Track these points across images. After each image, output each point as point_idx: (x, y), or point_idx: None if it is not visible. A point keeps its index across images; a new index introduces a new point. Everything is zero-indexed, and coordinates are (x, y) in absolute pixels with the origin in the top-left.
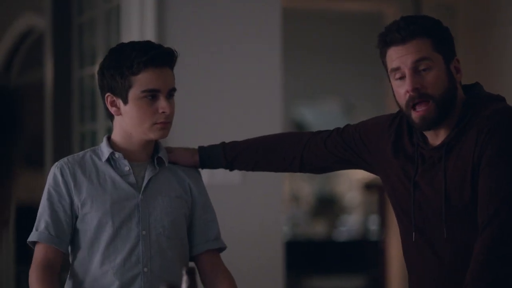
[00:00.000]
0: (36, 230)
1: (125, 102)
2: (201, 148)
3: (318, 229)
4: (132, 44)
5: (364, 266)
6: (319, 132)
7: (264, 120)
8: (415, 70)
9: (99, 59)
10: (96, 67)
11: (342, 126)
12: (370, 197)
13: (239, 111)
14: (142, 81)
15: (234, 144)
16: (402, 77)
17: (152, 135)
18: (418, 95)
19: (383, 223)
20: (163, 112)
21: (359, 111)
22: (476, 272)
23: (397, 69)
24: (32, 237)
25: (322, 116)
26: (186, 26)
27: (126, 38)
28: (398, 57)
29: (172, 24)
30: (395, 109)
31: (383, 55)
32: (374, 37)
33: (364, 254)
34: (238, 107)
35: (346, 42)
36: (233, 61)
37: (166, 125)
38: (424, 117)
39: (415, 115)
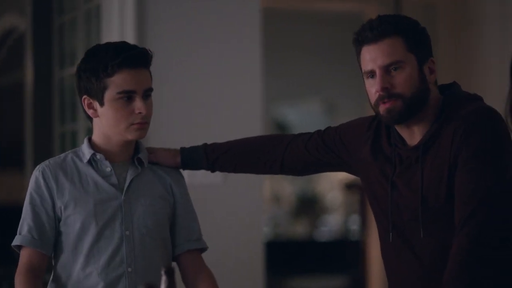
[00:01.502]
0: (20, 234)
1: (101, 104)
2: (182, 149)
3: (299, 229)
4: (107, 45)
5: (345, 266)
6: (300, 134)
7: (244, 120)
8: (386, 70)
9: (80, 60)
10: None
11: (323, 126)
12: (351, 197)
13: (219, 111)
14: (117, 82)
15: (216, 145)
16: (374, 76)
17: (129, 136)
18: (388, 95)
19: (364, 223)
20: (140, 113)
21: (341, 111)
22: (454, 273)
23: (370, 71)
24: (15, 241)
25: (304, 116)
26: (166, 26)
27: (106, 39)
28: (371, 58)
29: (152, 24)
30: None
31: (358, 54)
32: None
33: (345, 254)
34: (219, 108)
35: (328, 42)
36: (213, 62)
37: (143, 125)
38: (390, 110)
39: (382, 109)
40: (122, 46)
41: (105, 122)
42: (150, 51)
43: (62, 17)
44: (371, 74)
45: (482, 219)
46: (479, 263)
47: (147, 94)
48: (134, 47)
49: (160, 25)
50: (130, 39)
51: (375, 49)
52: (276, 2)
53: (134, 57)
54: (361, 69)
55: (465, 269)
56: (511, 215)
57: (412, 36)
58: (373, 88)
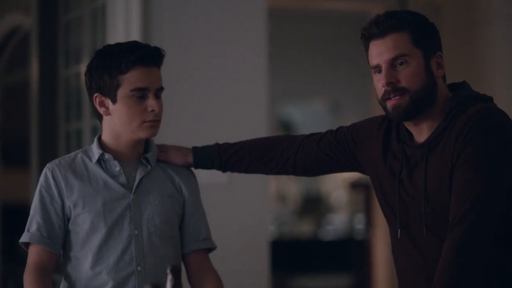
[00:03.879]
0: (28, 231)
1: (114, 101)
2: (195, 148)
3: (305, 228)
4: (119, 44)
5: (350, 265)
6: (312, 134)
7: (250, 120)
8: (391, 65)
9: (85, 58)
10: (82, 66)
11: (328, 125)
12: (356, 196)
13: (225, 110)
14: (130, 80)
15: (228, 145)
16: (381, 71)
17: (141, 134)
18: (393, 89)
19: (369, 222)
20: (152, 110)
21: (346, 110)
22: (446, 270)
23: (376, 66)
24: (24, 238)
25: (309, 115)
26: (171, 25)
27: (111, 37)
28: (377, 53)
29: (157, 24)
30: (381, 108)
31: (366, 49)
32: None
33: (350, 254)
34: (224, 107)
35: (333, 41)
36: (218, 61)
37: (155, 123)
38: (396, 106)
39: (388, 105)
40: (135, 44)
41: (117, 120)
42: (163, 51)
43: (67, 15)
44: (378, 69)
45: (474, 220)
46: (470, 263)
47: (158, 93)
48: (147, 45)
49: (165, 24)
50: (135, 38)
51: (381, 44)
52: (282, 1)
53: (148, 55)
54: (369, 64)
55: (456, 268)
56: (505, 219)
57: (418, 31)
58: (379, 83)
